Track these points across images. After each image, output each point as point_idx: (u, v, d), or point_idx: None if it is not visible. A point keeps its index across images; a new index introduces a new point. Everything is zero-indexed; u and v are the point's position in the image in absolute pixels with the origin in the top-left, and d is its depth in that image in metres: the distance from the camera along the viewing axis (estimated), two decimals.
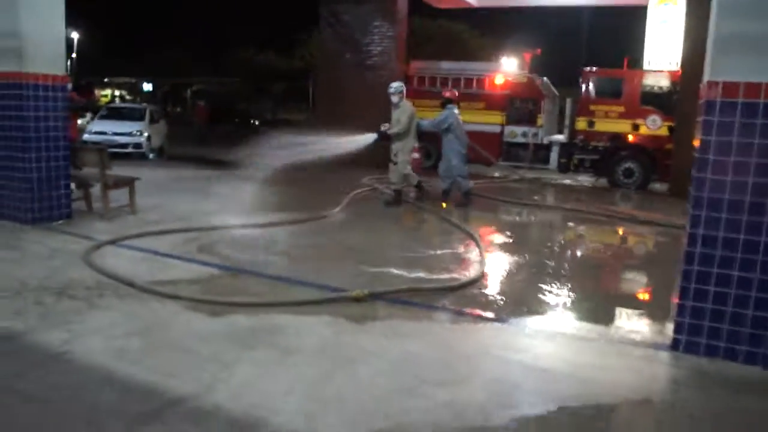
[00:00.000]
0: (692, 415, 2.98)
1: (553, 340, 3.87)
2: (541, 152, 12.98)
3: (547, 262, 5.99)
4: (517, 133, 13.16)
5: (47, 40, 6.03)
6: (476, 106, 13.45)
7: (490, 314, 4.26)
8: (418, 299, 4.51)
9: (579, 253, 6.84)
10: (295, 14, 15.58)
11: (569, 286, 5.16)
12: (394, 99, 8.50)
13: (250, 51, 33.24)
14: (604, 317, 4.36)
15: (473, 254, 5.97)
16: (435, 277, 5.17)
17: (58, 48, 6.17)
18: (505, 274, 5.55)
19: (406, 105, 8.58)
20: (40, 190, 6.20)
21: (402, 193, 8.78)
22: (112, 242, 5.72)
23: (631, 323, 4.35)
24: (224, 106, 29.42)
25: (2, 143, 6.18)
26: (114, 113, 15.14)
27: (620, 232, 8.15)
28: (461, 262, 5.78)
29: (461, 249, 6.26)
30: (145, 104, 18.51)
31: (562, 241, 7.39)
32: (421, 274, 5.23)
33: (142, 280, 4.59)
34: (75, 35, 41.91)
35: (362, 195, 9.29)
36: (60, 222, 6.39)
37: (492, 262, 5.78)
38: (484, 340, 3.83)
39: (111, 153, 13.17)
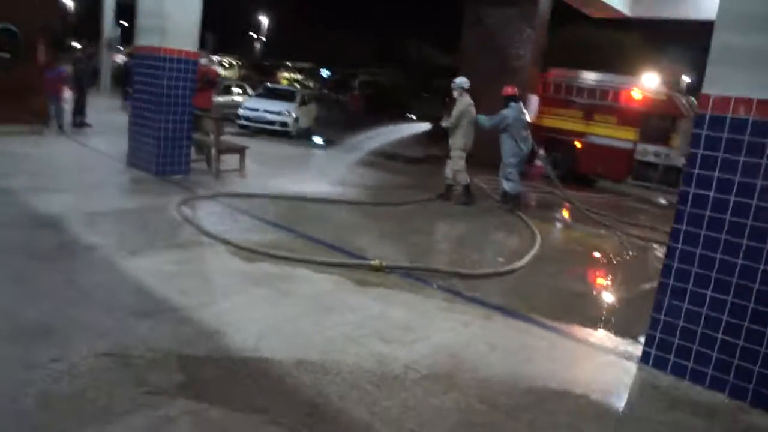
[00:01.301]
0: (600, 416, 3.07)
1: (528, 332, 4.04)
2: (671, 174, 12.23)
3: (585, 270, 5.98)
4: (649, 151, 12.52)
5: (184, 20, 7.24)
6: (609, 119, 13.00)
7: (485, 300, 4.50)
8: (433, 279, 4.85)
9: (622, 270, 6.54)
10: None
11: (584, 292, 5.20)
12: (455, 94, 8.49)
13: (419, 45, 34.39)
14: (600, 324, 4.36)
15: (520, 253, 6.07)
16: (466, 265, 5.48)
17: (193, 27, 7.35)
18: (536, 273, 5.56)
19: (462, 100, 8.43)
20: (165, 148, 7.41)
21: (469, 188, 8.65)
22: (209, 196, 6.71)
23: (622, 333, 4.26)
24: (385, 98, 30.78)
25: (142, 105, 7.52)
26: (269, 93, 16.80)
27: None
28: (505, 256, 5.93)
29: (513, 248, 6.38)
30: (298, 88, 20.14)
31: (619, 259, 7.07)
32: (455, 260, 5.57)
33: (210, 228, 5.44)
34: (264, 20, 46.59)
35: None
36: (178, 176, 7.57)
37: (534, 262, 5.85)
38: (461, 318, 4.09)
39: (260, 129, 14.91)
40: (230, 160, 8.42)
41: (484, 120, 8.51)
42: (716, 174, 3.38)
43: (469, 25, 14.67)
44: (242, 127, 15.36)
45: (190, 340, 3.28)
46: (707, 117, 3.40)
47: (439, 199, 8.65)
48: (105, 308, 3.55)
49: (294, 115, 15.58)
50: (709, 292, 3.43)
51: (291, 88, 18.08)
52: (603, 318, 4.54)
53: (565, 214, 9.35)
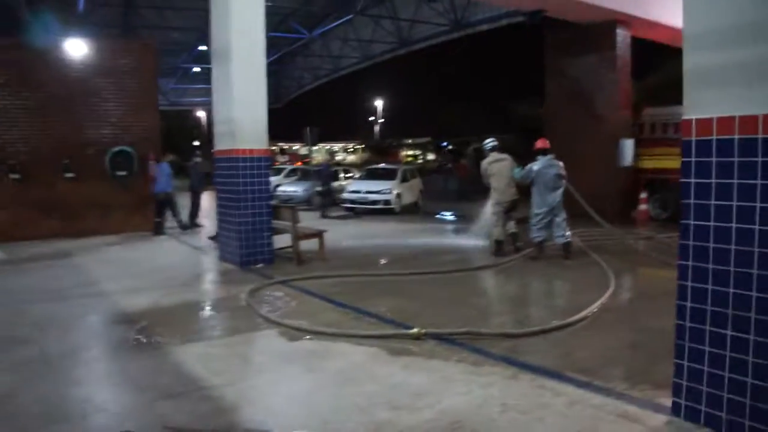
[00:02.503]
0: None
1: (552, 390, 3.79)
2: None
3: (649, 319, 5.47)
4: None
5: (253, 124, 7.98)
6: None
7: (517, 359, 4.33)
8: (475, 343, 4.75)
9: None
10: None
11: (640, 343, 4.78)
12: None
13: (529, 107, 34.29)
14: (641, 375, 4.00)
15: (575, 311, 5.68)
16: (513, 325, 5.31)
17: (261, 129, 8.08)
18: (594, 326, 5.25)
19: (483, 162, 9.07)
20: (247, 239, 8.02)
21: (503, 244, 8.94)
22: (282, 281, 7.11)
23: (664, 384, 3.84)
24: None
25: (224, 202, 8.27)
26: (371, 174, 17.54)
27: None
28: (556, 314, 5.62)
29: (581, 301, 6.02)
30: (401, 166, 20.88)
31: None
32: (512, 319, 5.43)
33: (270, 312, 5.75)
34: (380, 103, 49.51)
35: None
36: (260, 265, 8.10)
37: (598, 314, 5.53)
38: (482, 380, 3.96)
39: (365, 209, 15.54)
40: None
41: (516, 172, 8.81)
42: (713, 202, 3.13)
43: (551, 75, 14.60)
44: (348, 209, 16.14)
45: (204, 416, 3.52)
46: (693, 142, 3.19)
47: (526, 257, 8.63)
48: (139, 390, 3.92)
49: (395, 192, 16.08)
50: (729, 332, 3.09)
51: (392, 167, 18.69)
52: (648, 369, 4.15)
53: (660, 258, 8.69)
